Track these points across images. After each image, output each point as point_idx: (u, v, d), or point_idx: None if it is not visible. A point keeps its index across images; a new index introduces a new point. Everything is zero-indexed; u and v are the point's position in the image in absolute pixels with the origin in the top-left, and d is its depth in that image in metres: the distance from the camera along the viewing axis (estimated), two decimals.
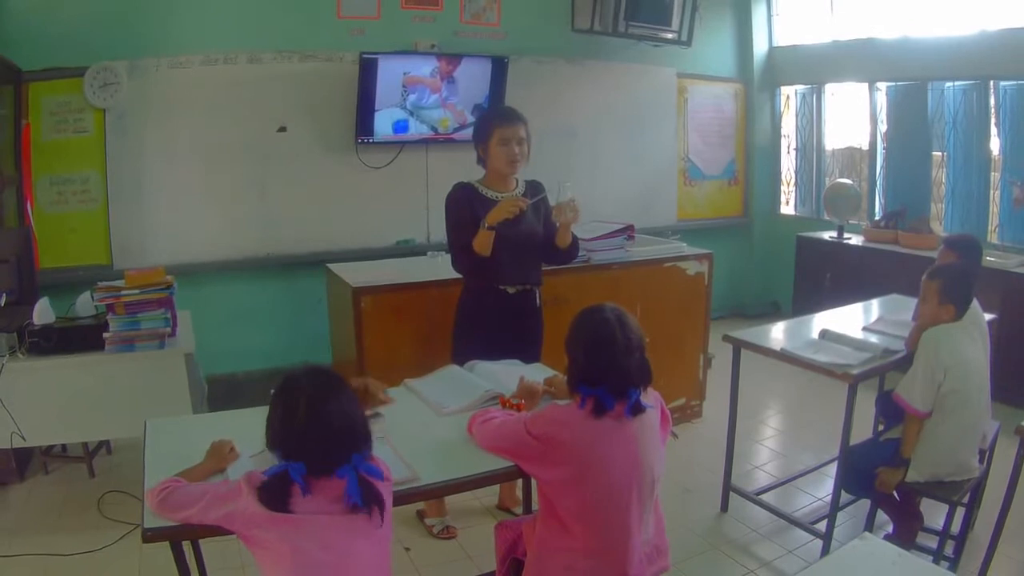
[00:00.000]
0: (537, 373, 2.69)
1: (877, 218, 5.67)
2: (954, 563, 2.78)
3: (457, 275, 3.25)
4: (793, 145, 6.58)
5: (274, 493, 1.63)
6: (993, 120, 5.01)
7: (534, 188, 3.18)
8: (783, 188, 6.72)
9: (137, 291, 3.03)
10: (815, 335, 3.25)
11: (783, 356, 3.09)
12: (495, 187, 3.09)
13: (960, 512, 2.82)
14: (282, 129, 4.39)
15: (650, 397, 2.00)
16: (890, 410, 3.11)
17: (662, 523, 2.11)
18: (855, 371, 2.81)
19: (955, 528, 2.83)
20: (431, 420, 2.33)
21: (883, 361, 2.95)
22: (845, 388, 2.82)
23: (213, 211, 4.34)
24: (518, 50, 5.07)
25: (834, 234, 5.72)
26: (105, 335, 2.97)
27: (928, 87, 5.34)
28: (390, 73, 4.55)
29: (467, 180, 3.11)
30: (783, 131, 6.63)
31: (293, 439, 1.66)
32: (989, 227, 5.07)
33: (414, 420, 2.32)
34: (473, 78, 4.90)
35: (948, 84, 5.22)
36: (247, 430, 2.04)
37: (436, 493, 2.00)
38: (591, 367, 1.90)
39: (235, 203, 4.39)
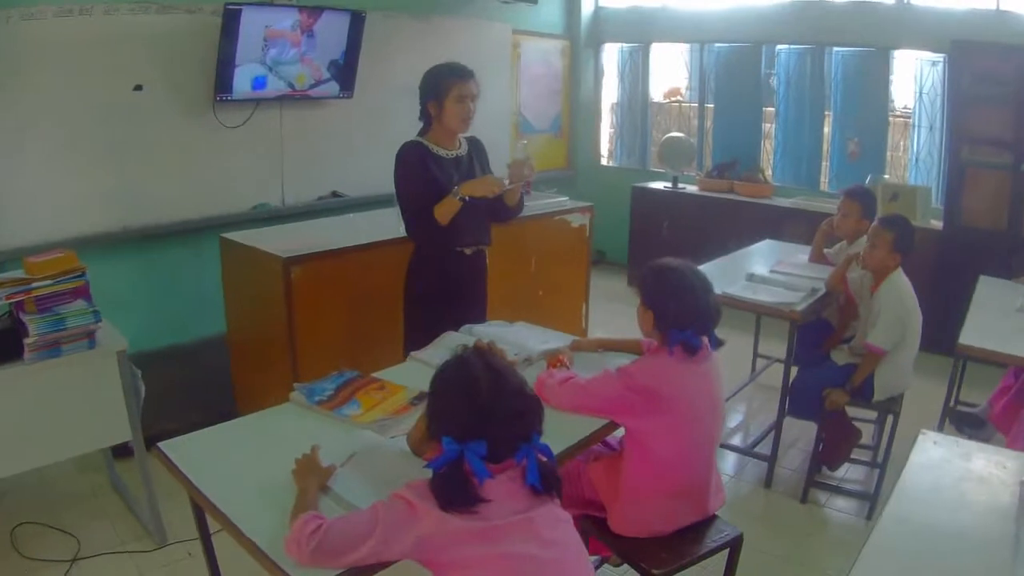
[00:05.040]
0: (535, 332, 2.76)
1: (709, 169, 6.08)
2: (883, 467, 3.13)
3: (390, 237, 3.16)
4: (615, 100, 6.93)
5: (452, 485, 1.45)
6: (826, 82, 5.49)
7: (476, 145, 3.18)
8: (604, 141, 7.10)
9: (50, 282, 2.55)
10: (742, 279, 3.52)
11: (726, 299, 3.25)
12: (443, 144, 2.99)
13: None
14: (138, 88, 3.82)
15: None
16: (808, 341, 3.54)
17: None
18: (799, 308, 3.17)
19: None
20: None
21: (813, 299, 3.29)
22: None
23: (63, 183, 3.65)
24: (370, 5, 4.84)
25: (667, 184, 6.11)
26: (26, 340, 2.46)
27: (762, 49, 5.76)
28: (252, 25, 4.13)
29: (416, 138, 2.99)
30: (607, 87, 6.96)
31: (477, 416, 1.50)
32: (821, 178, 5.69)
33: None
34: (331, 32, 4.60)
35: (782, 47, 5.65)
36: (283, 437, 1.91)
37: (561, 461, 1.97)
38: (681, 312, 2.02)
39: (87, 172, 3.74)
